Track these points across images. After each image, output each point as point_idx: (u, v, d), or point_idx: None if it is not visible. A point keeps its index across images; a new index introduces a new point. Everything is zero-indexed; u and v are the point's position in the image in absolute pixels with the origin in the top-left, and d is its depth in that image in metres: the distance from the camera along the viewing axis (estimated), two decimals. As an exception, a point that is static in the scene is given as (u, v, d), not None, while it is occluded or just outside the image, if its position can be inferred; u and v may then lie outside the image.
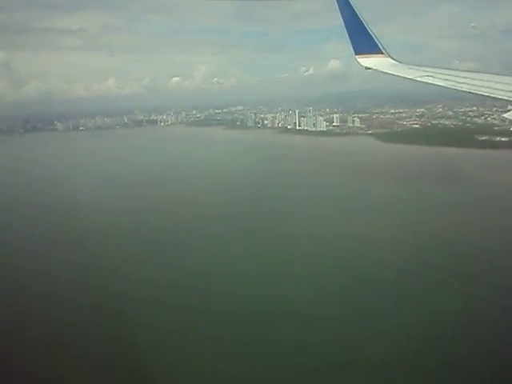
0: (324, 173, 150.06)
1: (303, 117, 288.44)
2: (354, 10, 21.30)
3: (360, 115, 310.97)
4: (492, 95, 14.68)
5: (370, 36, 21.68)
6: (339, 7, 21.76)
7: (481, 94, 14.93)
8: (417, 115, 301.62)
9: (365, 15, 21.45)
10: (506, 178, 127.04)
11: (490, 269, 68.52)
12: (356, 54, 22.35)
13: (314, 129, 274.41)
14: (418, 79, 18.26)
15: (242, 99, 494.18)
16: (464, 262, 71.48)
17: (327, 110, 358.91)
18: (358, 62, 22.23)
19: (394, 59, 21.65)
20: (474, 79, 16.41)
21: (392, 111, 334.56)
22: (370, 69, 21.47)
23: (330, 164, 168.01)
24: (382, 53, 21.86)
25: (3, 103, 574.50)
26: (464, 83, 16.17)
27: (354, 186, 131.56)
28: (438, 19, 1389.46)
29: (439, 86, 17.01)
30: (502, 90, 14.60)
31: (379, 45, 21.89)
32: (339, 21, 21.99)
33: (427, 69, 19.60)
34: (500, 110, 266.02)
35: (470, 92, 15.47)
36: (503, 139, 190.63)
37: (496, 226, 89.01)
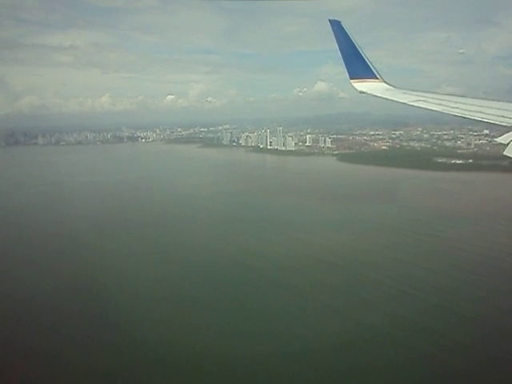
0: (258, 192, 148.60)
1: (275, 136, 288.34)
2: (348, 35, 21.48)
3: (338, 136, 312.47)
4: (484, 120, 14.94)
5: (365, 61, 21.89)
6: (334, 32, 21.82)
7: (473, 119, 15.26)
8: (392, 137, 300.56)
9: (355, 39, 21.72)
10: (429, 200, 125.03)
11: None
12: (351, 78, 22.52)
13: (283, 148, 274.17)
14: (412, 104, 18.56)
15: (232, 118, 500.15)
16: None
17: (308, 130, 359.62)
18: (353, 86, 22.41)
19: (388, 84, 21.96)
20: (466, 104, 16.84)
21: (371, 133, 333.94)
22: (364, 93, 21.64)
23: (276, 183, 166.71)
24: (377, 77, 22.11)
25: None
26: (456, 108, 16.54)
27: (283, 205, 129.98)
28: (427, 45, 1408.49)
29: (432, 110, 17.37)
30: (492, 115, 15.02)
31: (373, 70, 22.09)
32: (332, 44, 22.11)
33: (421, 94, 19.96)
34: (475, 133, 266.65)
35: (462, 117, 15.80)
36: (458, 162, 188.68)
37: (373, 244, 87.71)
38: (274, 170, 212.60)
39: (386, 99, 20.24)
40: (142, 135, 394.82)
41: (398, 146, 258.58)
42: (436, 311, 59.36)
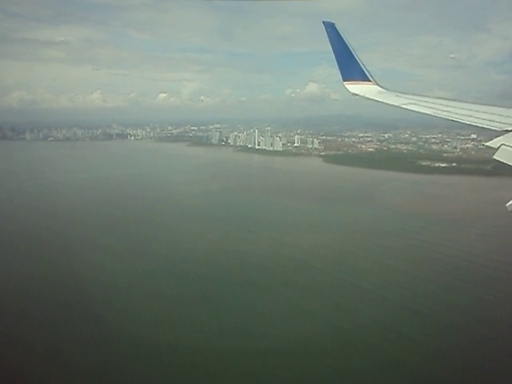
0: (240, 191, 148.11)
1: (263, 136, 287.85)
2: (341, 37, 21.42)
3: (327, 137, 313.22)
4: (473, 124, 15.09)
5: (358, 63, 21.90)
6: (327, 34, 21.71)
7: (463, 123, 15.44)
8: (380, 140, 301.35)
9: (349, 41, 21.63)
10: (409, 203, 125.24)
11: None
12: (344, 80, 22.47)
13: (271, 148, 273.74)
14: (404, 106, 18.66)
15: (224, 117, 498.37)
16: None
17: (298, 131, 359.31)
18: (346, 88, 22.36)
19: (380, 86, 21.95)
20: (456, 107, 17.03)
21: (361, 135, 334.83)
22: (357, 95, 21.63)
23: (259, 182, 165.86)
24: (370, 80, 22.13)
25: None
26: (447, 111, 16.68)
27: (262, 204, 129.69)
28: (419, 49, 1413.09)
29: (423, 113, 17.42)
30: (482, 119, 15.15)
31: (366, 72, 22.10)
32: (326, 46, 22.00)
33: (412, 97, 19.99)
34: (462, 137, 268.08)
35: (452, 120, 15.88)
36: (442, 165, 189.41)
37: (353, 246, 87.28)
38: (258, 169, 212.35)
39: (378, 102, 20.31)
40: (131, 133, 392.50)
41: (385, 149, 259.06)
42: (413, 317, 58.51)
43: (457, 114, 16.26)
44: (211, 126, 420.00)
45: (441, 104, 18.03)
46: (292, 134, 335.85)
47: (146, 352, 49.66)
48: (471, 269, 75.62)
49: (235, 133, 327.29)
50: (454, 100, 18.57)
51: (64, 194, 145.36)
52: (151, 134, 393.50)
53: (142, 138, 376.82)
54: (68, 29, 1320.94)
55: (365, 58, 22.16)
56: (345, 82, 22.48)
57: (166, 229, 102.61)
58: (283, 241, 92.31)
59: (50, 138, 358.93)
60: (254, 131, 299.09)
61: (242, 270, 75.91)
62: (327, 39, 21.82)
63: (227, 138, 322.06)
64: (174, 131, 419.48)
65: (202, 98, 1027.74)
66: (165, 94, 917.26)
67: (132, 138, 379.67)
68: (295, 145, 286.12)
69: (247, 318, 57.95)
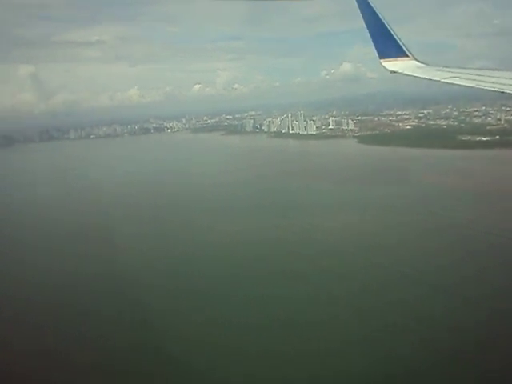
0: (274, 177, 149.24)
1: (297, 121, 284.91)
2: (376, 13, 20.58)
3: (363, 118, 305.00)
4: None
5: (394, 39, 20.90)
6: (360, 10, 21.13)
7: (509, 93, 14.44)
8: (419, 117, 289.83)
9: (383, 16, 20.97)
10: (443, 179, 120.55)
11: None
12: (380, 57, 21.71)
13: (305, 132, 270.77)
14: (445, 80, 17.87)
15: (258, 104, 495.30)
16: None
17: (334, 112, 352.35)
18: (383, 66, 21.63)
19: (419, 61, 21.06)
20: (500, 77, 16.07)
21: (398, 113, 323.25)
22: (395, 72, 20.80)
23: (289, 167, 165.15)
24: (407, 55, 21.16)
25: (31, 114, 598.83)
26: (491, 82, 15.79)
27: (291, 190, 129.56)
28: (458, 18, 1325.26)
29: (466, 86, 16.65)
30: None
31: (404, 48, 21.15)
32: (359, 23, 21.43)
33: (454, 69, 19.24)
34: (508, 109, 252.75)
35: (497, 91, 15.04)
36: (483, 139, 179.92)
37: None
38: (291, 154, 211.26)
39: (418, 77, 19.26)
40: (168, 125, 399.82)
41: (424, 125, 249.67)
42: (467, 306, 55.31)
43: (502, 84, 15.22)
44: (246, 114, 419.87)
45: (484, 75, 16.88)
46: (327, 116, 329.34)
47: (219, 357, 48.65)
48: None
49: (269, 119, 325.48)
50: (497, 70, 17.48)
51: (100, 190, 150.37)
52: (187, 126, 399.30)
53: (178, 130, 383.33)
54: (102, 28, 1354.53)
55: (401, 32, 20.80)
56: (381, 60, 21.43)
57: (207, 218, 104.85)
58: (319, 226, 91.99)
59: (91, 136, 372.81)
60: (288, 116, 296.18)
61: (278, 258, 76.03)
62: (360, 16, 20.81)
63: (261, 124, 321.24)
64: (209, 121, 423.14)
65: (235, 86, 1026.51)
66: (199, 85, 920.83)
67: (169, 130, 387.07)
68: (330, 127, 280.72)
69: (286, 308, 57.65)
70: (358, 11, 20.67)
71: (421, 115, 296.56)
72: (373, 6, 20.28)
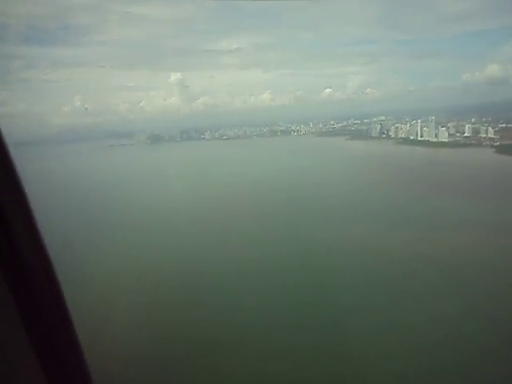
0: (389, 185, 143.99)
1: (427, 127, 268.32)
2: None
3: (508, 125, 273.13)
4: None
5: None
6: None
7: None
8: None
9: None
10: None
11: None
12: None
13: (435, 139, 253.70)
14: None
15: (390, 109, 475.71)
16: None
17: (473, 119, 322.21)
18: None
19: None
20: None
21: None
22: None
23: (407, 176, 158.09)
24: None
25: (176, 116, 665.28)
26: None
27: (406, 200, 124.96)
28: None
29: None
30: None
31: None
32: (501, 21, 20.39)
33: None
34: None
35: None
36: None
37: None
38: (414, 161, 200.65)
39: None
40: (295, 129, 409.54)
41: None
42: None
43: None
44: (375, 119, 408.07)
45: None
46: (465, 123, 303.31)
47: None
48: None
49: (397, 124, 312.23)
50: None
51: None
52: (313, 130, 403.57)
53: (303, 134, 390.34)
54: (240, 36, 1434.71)
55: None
56: None
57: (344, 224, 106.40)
58: (429, 240, 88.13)
59: (224, 137, 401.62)
60: (417, 122, 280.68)
61: (382, 268, 76.24)
62: None
63: (388, 130, 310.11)
64: (335, 126, 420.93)
65: (367, 90, 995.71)
66: (330, 89, 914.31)
67: (295, 134, 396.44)
68: (465, 135, 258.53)
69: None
70: None
71: None
72: None
